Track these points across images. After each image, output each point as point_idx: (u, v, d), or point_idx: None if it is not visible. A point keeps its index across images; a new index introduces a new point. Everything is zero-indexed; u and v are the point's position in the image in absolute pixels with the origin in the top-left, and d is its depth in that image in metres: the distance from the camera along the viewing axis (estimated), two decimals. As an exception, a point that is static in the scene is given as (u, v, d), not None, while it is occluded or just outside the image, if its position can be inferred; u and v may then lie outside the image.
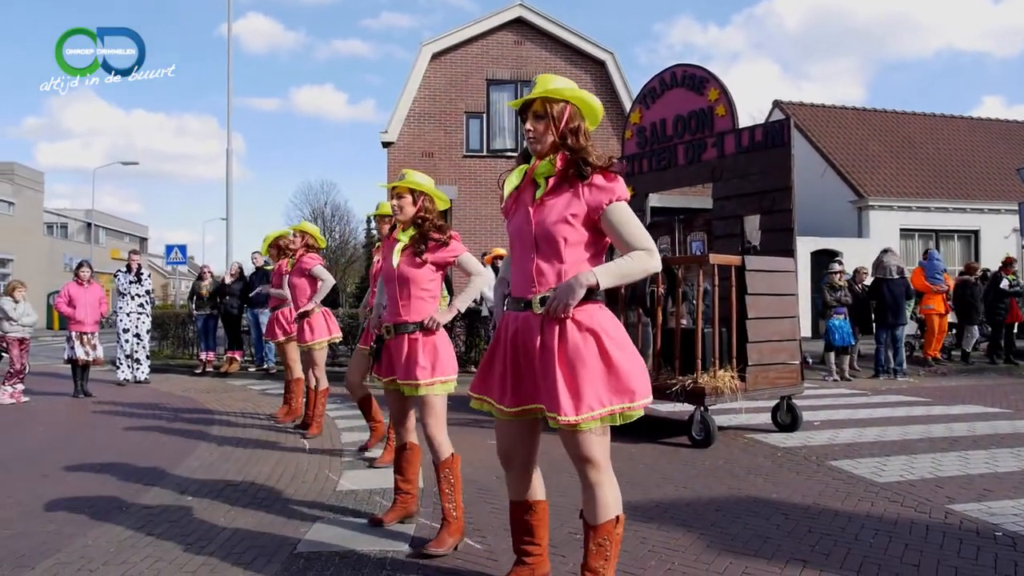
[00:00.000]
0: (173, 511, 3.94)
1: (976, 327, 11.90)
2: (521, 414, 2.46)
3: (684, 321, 6.13)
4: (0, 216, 35.86)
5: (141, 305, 10.23)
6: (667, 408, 7.11)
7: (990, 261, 14.90)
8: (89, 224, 40.15)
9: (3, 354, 8.96)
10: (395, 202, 3.43)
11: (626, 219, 2.33)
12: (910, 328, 11.31)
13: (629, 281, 2.46)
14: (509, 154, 16.19)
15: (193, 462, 5.16)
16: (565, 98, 2.40)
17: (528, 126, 2.42)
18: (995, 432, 6.03)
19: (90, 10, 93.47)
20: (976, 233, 18.05)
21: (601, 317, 2.34)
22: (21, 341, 8.61)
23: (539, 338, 2.35)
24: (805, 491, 4.24)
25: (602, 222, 2.34)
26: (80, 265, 9.28)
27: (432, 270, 3.44)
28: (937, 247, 16.99)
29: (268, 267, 9.52)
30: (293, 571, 3.05)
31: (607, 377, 2.27)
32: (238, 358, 11.63)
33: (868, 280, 10.88)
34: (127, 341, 10.12)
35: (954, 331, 12.21)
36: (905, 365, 10.45)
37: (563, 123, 2.39)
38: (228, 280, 11.45)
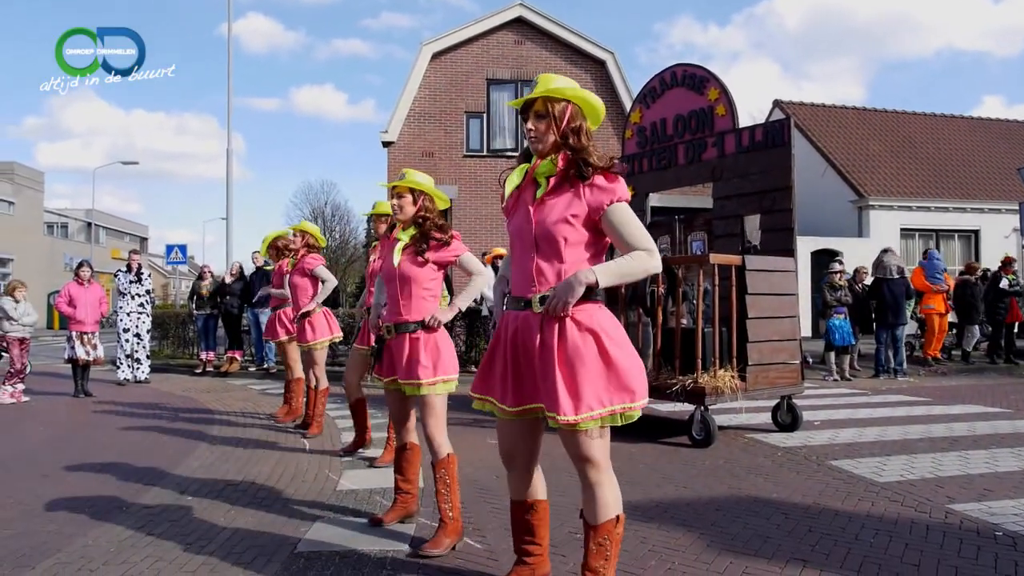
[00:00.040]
0: (173, 511, 3.94)
1: (977, 327, 11.90)
2: (522, 413, 2.46)
3: (684, 321, 6.13)
4: (0, 216, 35.88)
5: (141, 305, 10.23)
6: (667, 408, 7.11)
7: (990, 261, 14.90)
8: (89, 224, 40.15)
9: (3, 354, 8.97)
10: (395, 201, 3.43)
11: (627, 220, 2.33)
12: (910, 328, 11.32)
13: (629, 281, 2.46)
14: (509, 154, 16.19)
15: (193, 462, 5.16)
16: (567, 97, 2.40)
17: (529, 125, 2.42)
18: (995, 432, 6.03)
19: (90, 10, 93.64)
20: (976, 233, 18.04)
21: (601, 317, 2.34)
22: (21, 341, 8.61)
23: (539, 337, 2.35)
24: (805, 491, 4.24)
25: (603, 222, 2.34)
26: (80, 265, 9.28)
27: (433, 269, 3.44)
28: (937, 247, 17.00)
29: (268, 267, 9.52)
30: (293, 571, 3.05)
31: (607, 377, 2.27)
32: (238, 358, 11.64)
33: (868, 280, 10.88)
34: (127, 341, 10.12)
35: (954, 331, 12.21)
36: (905, 365, 10.45)
37: (564, 123, 2.39)
38: (228, 280, 11.45)
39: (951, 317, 11.85)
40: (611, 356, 2.28)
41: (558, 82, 2.42)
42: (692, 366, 5.58)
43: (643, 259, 2.30)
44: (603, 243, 2.42)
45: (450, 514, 3.26)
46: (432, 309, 3.40)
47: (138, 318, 10.19)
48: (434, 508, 3.39)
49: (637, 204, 7.24)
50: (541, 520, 2.66)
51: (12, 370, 8.46)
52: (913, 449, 5.35)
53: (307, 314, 6.02)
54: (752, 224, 6.91)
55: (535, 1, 16.85)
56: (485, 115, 16.74)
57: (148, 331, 10.47)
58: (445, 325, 3.47)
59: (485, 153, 16.63)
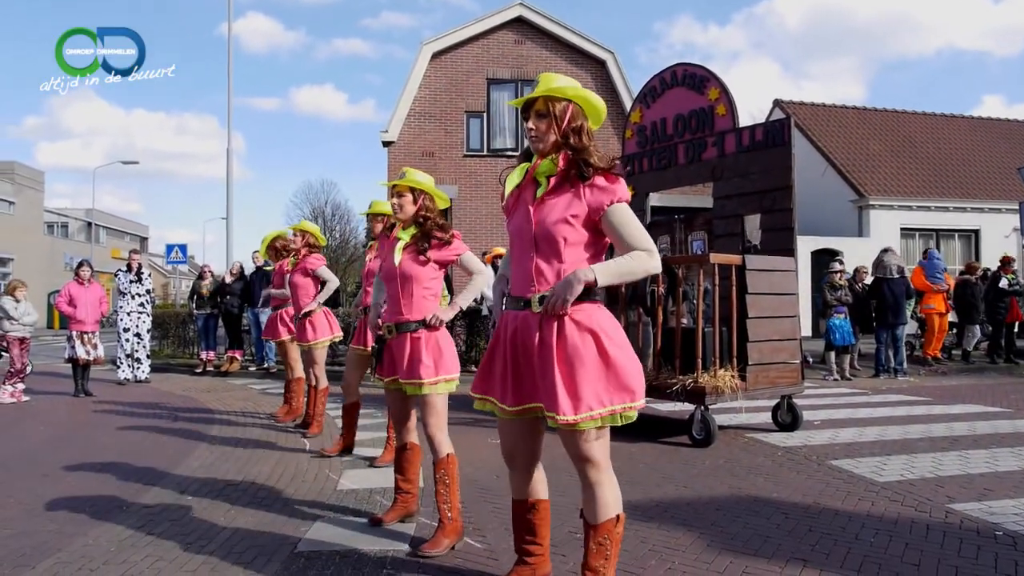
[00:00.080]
0: (173, 510, 3.94)
1: (977, 326, 11.90)
2: (522, 413, 2.46)
3: (684, 320, 6.13)
4: (0, 215, 35.88)
5: (141, 304, 10.24)
6: (667, 407, 7.11)
7: (990, 260, 14.89)
8: (89, 223, 40.16)
9: (3, 353, 8.97)
10: (395, 200, 3.42)
11: (627, 220, 2.32)
12: (910, 328, 11.32)
13: (628, 280, 2.45)
14: (510, 153, 16.19)
15: (193, 462, 5.16)
16: (568, 97, 2.40)
17: (530, 124, 2.42)
18: (995, 431, 6.03)
19: (90, 10, 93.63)
20: (976, 232, 18.04)
21: (600, 316, 2.33)
22: (22, 340, 8.62)
23: (538, 337, 2.35)
24: (805, 490, 4.24)
25: (603, 223, 2.34)
26: (80, 264, 9.28)
27: (435, 268, 3.44)
28: (937, 246, 17.00)
29: (268, 268, 9.52)
30: (293, 570, 3.05)
31: (606, 376, 2.27)
32: (238, 357, 11.64)
33: (868, 279, 10.88)
34: (127, 340, 10.13)
35: (954, 331, 12.21)
36: (905, 364, 10.45)
37: (565, 122, 2.39)
38: (228, 279, 11.45)
39: (951, 317, 11.86)
40: (610, 356, 2.28)
41: (559, 81, 2.42)
42: (692, 366, 5.58)
43: (643, 259, 2.30)
44: (603, 243, 2.41)
45: (449, 514, 3.26)
46: (433, 308, 3.40)
47: (138, 318, 10.20)
48: (434, 508, 3.39)
49: (637, 204, 7.24)
50: (543, 520, 2.66)
51: (12, 370, 8.46)
52: (913, 449, 5.35)
53: (308, 314, 6.02)
54: (752, 224, 6.91)
55: (535, 1, 16.87)
56: (485, 115, 16.74)
57: (148, 331, 10.47)
58: (445, 325, 3.47)
59: (485, 153, 16.63)
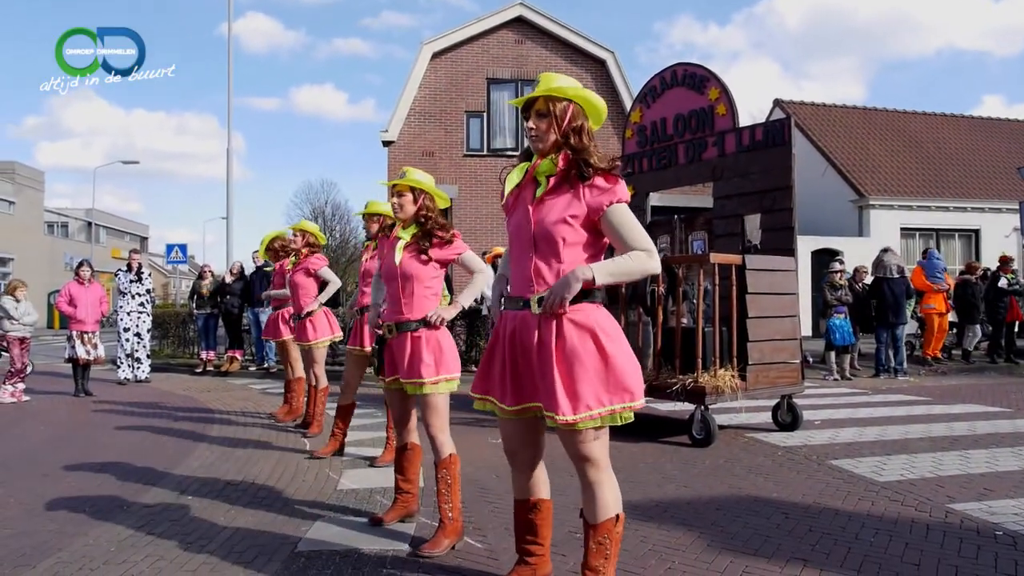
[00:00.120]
0: (174, 510, 3.94)
1: (978, 326, 11.90)
2: (521, 412, 2.46)
3: (685, 320, 6.13)
4: (1, 215, 35.89)
5: (142, 304, 10.24)
6: (667, 407, 7.11)
7: (991, 260, 14.89)
8: (89, 223, 40.16)
9: (4, 353, 8.97)
10: (396, 200, 3.42)
11: (626, 221, 2.32)
12: (910, 327, 11.32)
13: (626, 280, 2.45)
14: (510, 153, 16.19)
15: (193, 461, 5.16)
16: (568, 97, 2.40)
17: (531, 124, 2.42)
18: (996, 431, 6.03)
19: (90, 10, 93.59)
20: (977, 232, 18.04)
21: (598, 316, 2.33)
22: (22, 340, 8.62)
23: (536, 337, 2.35)
24: (806, 490, 4.24)
25: (602, 223, 2.34)
26: (81, 264, 9.28)
27: (436, 267, 3.44)
28: (938, 246, 17.00)
29: (268, 268, 9.52)
30: (294, 570, 3.05)
31: (605, 376, 2.27)
32: (239, 357, 11.64)
33: (868, 279, 10.88)
34: (128, 340, 10.13)
35: (954, 330, 12.21)
36: (906, 364, 10.45)
37: (566, 122, 2.39)
38: (229, 279, 11.45)
39: (951, 316, 11.86)
40: (609, 356, 2.28)
41: (560, 81, 2.42)
42: (692, 365, 5.58)
43: (642, 259, 2.29)
44: (602, 244, 2.41)
45: (450, 515, 3.26)
46: (433, 307, 3.40)
47: (138, 317, 10.20)
48: (434, 508, 3.39)
49: (637, 203, 7.24)
50: (544, 520, 2.66)
51: (12, 369, 8.46)
52: (913, 448, 5.35)
53: (309, 313, 6.02)
54: (752, 223, 6.91)
55: (535, 1, 16.87)
56: (485, 114, 16.74)
57: (148, 330, 10.47)
58: (446, 324, 3.47)
59: (485, 153, 16.63)
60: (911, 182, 18.23)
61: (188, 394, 9.01)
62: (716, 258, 5.64)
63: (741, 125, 6.76)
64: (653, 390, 5.65)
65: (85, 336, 8.88)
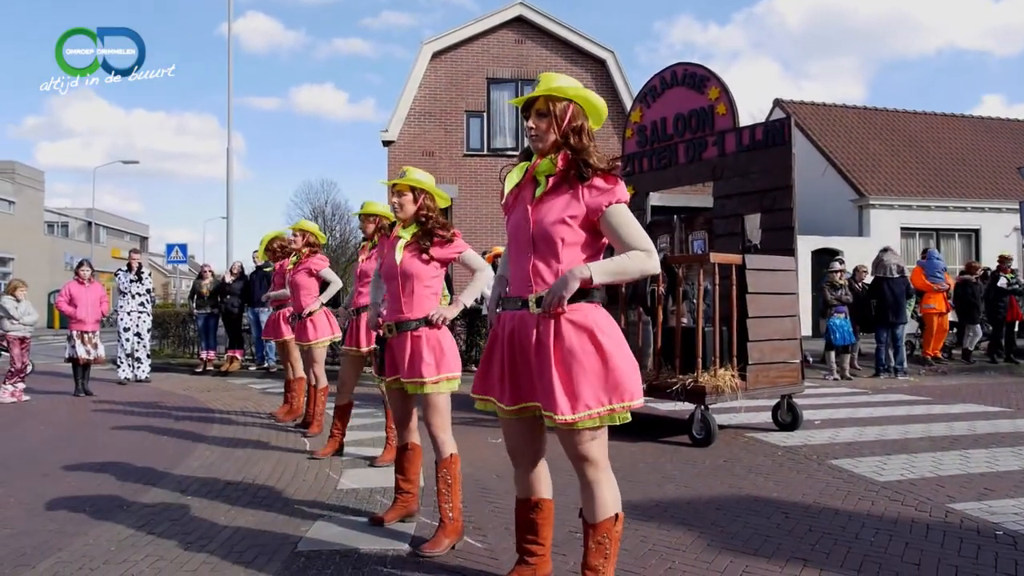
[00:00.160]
0: (174, 510, 3.94)
1: (978, 326, 11.90)
2: (520, 412, 2.46)
3: (685, 320, 6.13)
4: (1, 215, 35.89)
5: (142, 304, 10.24)
6: (667, 407, 7.11)
7: (991, 260, 14.89)
8: (90, 223, 40.16)
9: (4, 353, 8.97)
10: (396, 199, 3.42)
11: (625, 221, 2.32)
12: (910, 327, 11.32)
13: (625, 279, 2.45)
14: (510, 153, 16.19)
15: (193, 461, 5.16)
16: (568, 97, 2.40)
17: (530, 124, 2.42)
18: (996, 431, 6.03)
19: (90, 10, 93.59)
20: (977, 232, 18.04)
21: (597, 316, 2.33)
22: (22, 340, 8.62)
23: (535, 337, 2.35)
24: (806, 490, 4.24)
25: (601, 224, 2.33)
26: (81, 264, 9.28)
27: (436, 267, 3.44)
28: (938, 246, 17.00)
29: (268, 268, 9.52)
30: (294, 570, 3.05)
31: (604, 376, 2.27)
32: (239, 357, 11.64)
33: (868, 279, 10.88)
34: (128, 340, 10.13)
35: (954, 330, 12.22)
36: (906, 364, 10.45)
37: (566, 122, 2.39)
38: (229, 279, 11.45)
39: (951, 316, 11.86)
40: (608, 355, 2.28)
41: (560, 81, 2.42)
42: (692, 365, 5.58)
43: (640, 259, 2.29)
44: (600, 244, 2.41)
45: (450, 514, 3.26)
46: (434, 306, 3.40)
47: (138, 317, 10.20)
48: (434, 507, 3.39)
49: (637, 203, 7.25)
50: (545, 520, 2.66)
51: (13, 369, 8.46)
52: (913, 448, 5.35)
53: (310, 313, 6.02)
54: (753, 223, 6.90)
55: (535, 0, 16.87)
56: (485, 114, 16.74)
57: (148, 330, 10.48)
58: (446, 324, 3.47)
59: (485, 152, 16.63)
60: (911, 182, 18.23)
61: (188, 394, 9.01)
62: (716, 258, 5.64)
63: (741, 125, 6.75)
64: (653, 390, 5.65)
65: (85, 336, 8.88)
